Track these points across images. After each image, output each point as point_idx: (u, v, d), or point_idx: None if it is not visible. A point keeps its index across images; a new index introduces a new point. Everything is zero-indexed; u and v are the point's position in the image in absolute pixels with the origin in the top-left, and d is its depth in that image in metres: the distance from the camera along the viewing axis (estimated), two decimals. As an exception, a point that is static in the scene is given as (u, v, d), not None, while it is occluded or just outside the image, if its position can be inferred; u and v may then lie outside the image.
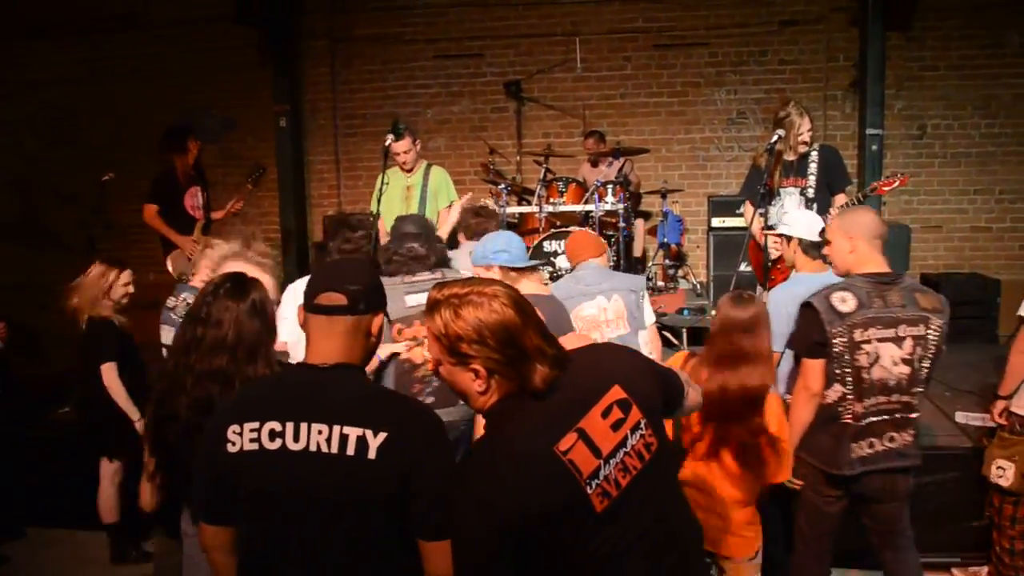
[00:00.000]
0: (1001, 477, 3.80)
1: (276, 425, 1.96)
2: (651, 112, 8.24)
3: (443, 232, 5.49)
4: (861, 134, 7.70)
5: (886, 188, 4.93)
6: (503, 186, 6.68)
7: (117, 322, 4.53)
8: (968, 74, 7.68)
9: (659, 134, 8.19)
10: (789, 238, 3.94)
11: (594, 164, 7.49)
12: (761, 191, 4.91)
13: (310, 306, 2.03)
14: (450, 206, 5.71)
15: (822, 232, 3.78)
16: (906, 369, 3.13)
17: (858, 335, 3.10)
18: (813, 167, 5.05)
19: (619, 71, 8.22)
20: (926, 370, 3.17)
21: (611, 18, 8.13)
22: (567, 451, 1.78)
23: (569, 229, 6.32)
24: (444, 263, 3.67)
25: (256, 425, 1.97)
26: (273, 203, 8.66)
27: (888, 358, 3.13)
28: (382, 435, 1.93)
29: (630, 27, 8.14)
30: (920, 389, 3.21)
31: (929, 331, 3.13)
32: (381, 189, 5.26)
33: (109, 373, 4.42)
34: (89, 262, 4.72)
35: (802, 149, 5.05)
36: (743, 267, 5.30)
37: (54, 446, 5.30)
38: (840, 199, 5.03)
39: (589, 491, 1.78)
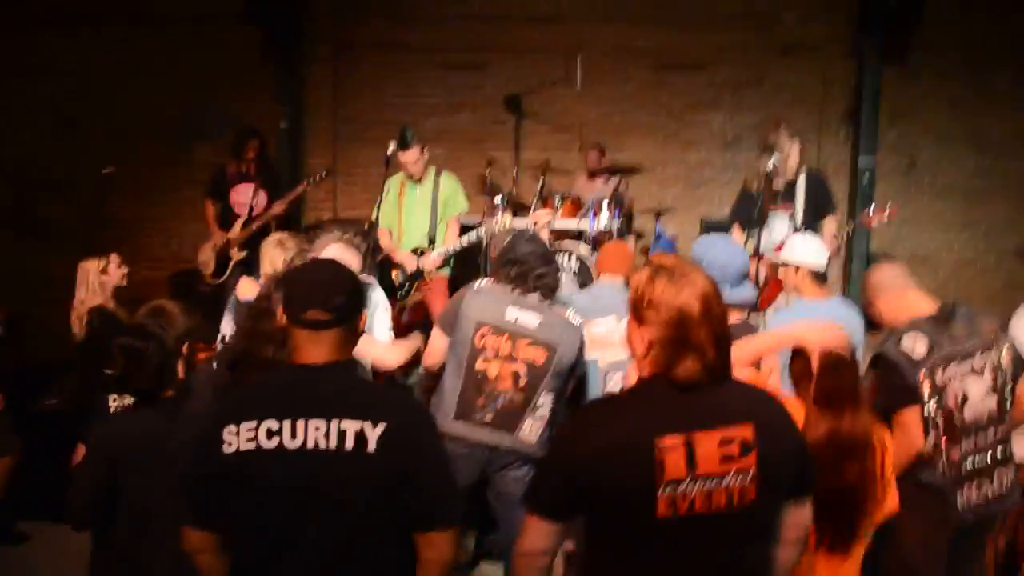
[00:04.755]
0: None
1: (273, 423, 1.98)
2: (648, 133, 8.31)
3: (447, 246, 5.55)
4: (853, 163, 7.81)
5: (875, 222, 5.03)
6: (499, 198, 6.74)
7: (118, 315, 4.64)
8: (961, 110, 7.79)
9: (655, 154, 8.25)
10: (797, 267, 3.96)
11: (591, 176, 7.54)
12: (755, 214, 5.02)
13: (295, 319, 2.06)
14: (458, 217, 5.72)
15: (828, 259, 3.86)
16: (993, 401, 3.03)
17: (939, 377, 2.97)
18: (800, 192, 5.15)
19: (619, 90, 8.30)
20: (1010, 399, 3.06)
21: (613, 37, 8.19)
22: (664, 448, 1.86)
23: (562, 245, 6.41)
24: (554, 292, 3.73)
25: (253, 424, 1.99)
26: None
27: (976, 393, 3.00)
28: (381, 426, 1.97)
29: (632, 47, 8.21)
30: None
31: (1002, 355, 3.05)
32: (381, 197, 5.32)
33: None
34: (84, 254, 4.86)
35: (791, 175, 5.14)
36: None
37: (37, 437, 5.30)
38: (829, 226, 5.13)
39: (658, 492, 1.85)
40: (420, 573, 2.05)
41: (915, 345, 2.96)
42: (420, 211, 5.57)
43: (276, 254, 4.26)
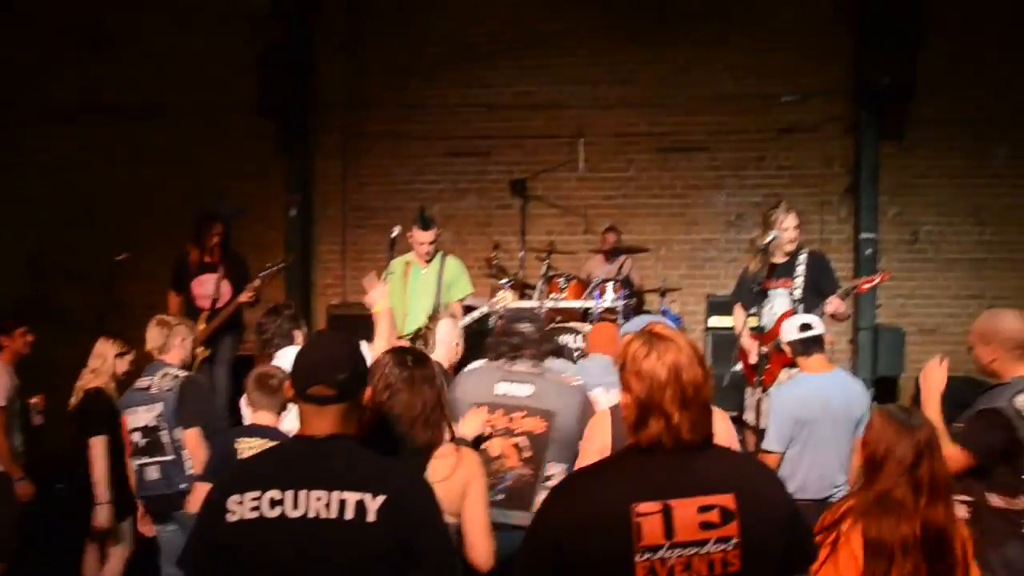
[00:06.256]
0: None
1: (276, 494, 2.02)
2: (652, 213, 8.46)
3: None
4: (856, 239, 7.89)
5: (866, 286, 5.12)
6: (505, 281, 6.80)
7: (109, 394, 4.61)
8: (960, 183, 7.94)
9: (660, 234, 8.37)
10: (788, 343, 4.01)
11: (607, 257, 7.63)
12: (755, 289, 5.06)
13: (300, 394, 2.12)
14: (463, 299, 5.75)
15: (804, 326, 3.88)
16: None
17: None
18: (800, 269, 5.17)
19: (622, 172, 8.48)
20: None
21: (615, 122, 8.41)
22: (642, 514, 1.86)
23: (568, 325, 6.44)
24: (549, 356, 3.72)
25: (257, 494, 2.03)
26: (278, 290, 8.78)
27: None
28: (381, 498, 2.00)
29: (633, 131, 8.42)
30: None
31: None
32: (386, 279, 5.38)
33: (97, 447, 4.42)
34: (95, 339, 4.90)
35: (789, 247, 5.17)
36: (736, 368, 5.41)
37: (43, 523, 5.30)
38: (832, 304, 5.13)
39: (636, 558, 1.84)
40: None
41: None
42: (425, 293, 5.60)
43: (155, 333, 4.35)
